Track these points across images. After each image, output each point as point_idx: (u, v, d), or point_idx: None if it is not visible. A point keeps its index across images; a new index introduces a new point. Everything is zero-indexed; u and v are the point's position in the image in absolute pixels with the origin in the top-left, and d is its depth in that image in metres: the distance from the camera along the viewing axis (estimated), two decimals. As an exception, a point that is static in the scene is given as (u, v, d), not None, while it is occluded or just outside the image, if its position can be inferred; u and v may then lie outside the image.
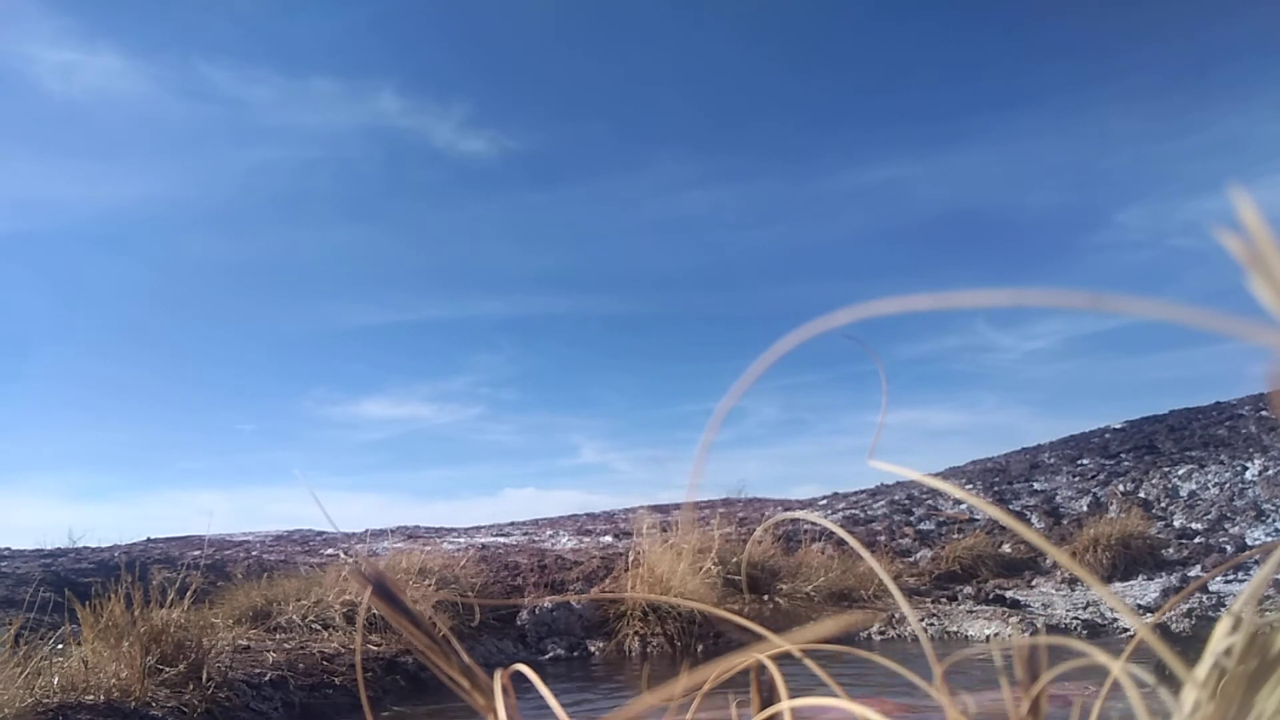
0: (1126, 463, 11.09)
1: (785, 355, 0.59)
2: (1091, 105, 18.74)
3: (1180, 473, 10.06)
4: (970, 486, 11.25)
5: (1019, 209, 20.38)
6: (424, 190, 21.23)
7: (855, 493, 12.69)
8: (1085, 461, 11.56)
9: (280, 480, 17.80)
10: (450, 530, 11.77)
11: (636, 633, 5.97)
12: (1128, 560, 7.63)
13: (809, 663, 0.70)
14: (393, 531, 11.30)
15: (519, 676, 0.70)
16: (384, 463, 20.43)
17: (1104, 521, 8.26)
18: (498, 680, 0.68)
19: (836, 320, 0.56)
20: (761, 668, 0.73)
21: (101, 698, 3.41)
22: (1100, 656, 0.58)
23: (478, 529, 11.82)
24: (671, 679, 0.67)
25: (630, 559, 6.45)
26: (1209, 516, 8.65)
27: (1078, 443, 12.72)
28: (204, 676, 3.79)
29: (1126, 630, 5.82)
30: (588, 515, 12.89)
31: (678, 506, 10.95)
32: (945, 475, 12.73)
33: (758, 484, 18.80)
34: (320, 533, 11.39)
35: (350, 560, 7.17)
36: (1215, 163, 16.59)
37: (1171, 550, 7.94)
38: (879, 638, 6.22)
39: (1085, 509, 9.57)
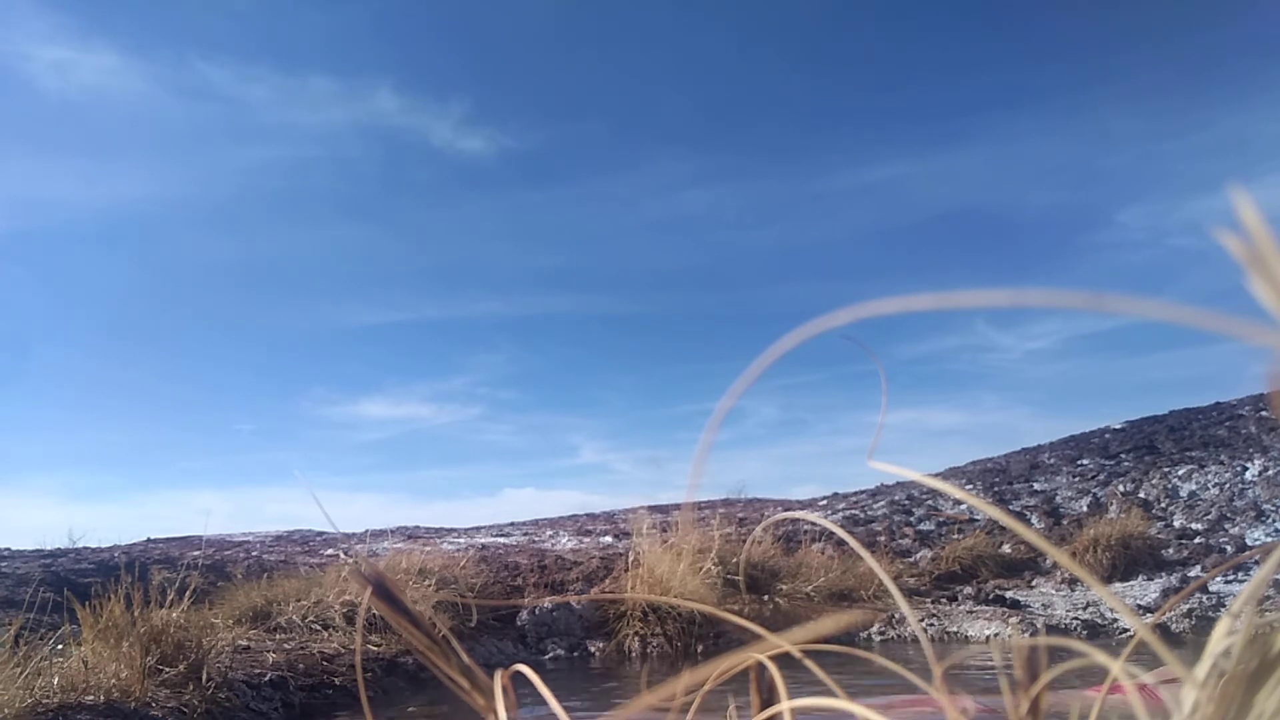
0: (1126, 463, 11.09)
1: (785, 355, 0.59)
2: (1091, 105, 18.73)
3: (1180, 473, 10.06)
4: (970, 486, 11.25)
5: (1019, 209, 20.38)
6: (422, 189, 21.20)
7: (855, 493, 12.69)
8: (1085, 462, 11.56)
9: (280, 480, 17.79)
10: (450, 530, 11.77)
11: (636, 633, 5.97)
12: (1128, 560, 7.63)
13: (809, 663, 0.70)
14: (393, 531, 11.30)
15: (519, 677, 0.70)
16: (383, 463, 20.42)
17: (1104, 522, 8.25)
18: (498, 680, 0.68)
19: (836, 320, 0.56)
20: (761, 668, 0.73)
21: (101, 698, 3.41)
22: (1100, 657, 0.58)
23: (478, 529, 11.82)
24: (671, 679, 0.67)
25: (630, 559, 6.45)
26: (1209, 517, 8.65)
27: (1078, 443, 12.72)
28: (204, 677, 3.79)
29: (1126, 630, 5.82)
30: (587, 515, 12.89)
31: (677, 507, 10.95)
32: (945, 475, 12.73)
33: (758, 484, 18.79)
34: (320, 533, 11.39)
35: (350, 560, 7.17)
36: (1215, 163, 16.59)
37: (1171, 550, 7.94)
38: (879, 638, 6.22)
39: (1085, 509, 9.57)
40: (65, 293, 19.84)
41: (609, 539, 9.84)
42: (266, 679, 4.27)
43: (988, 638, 5.89)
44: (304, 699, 4.34)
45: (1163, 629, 5.75)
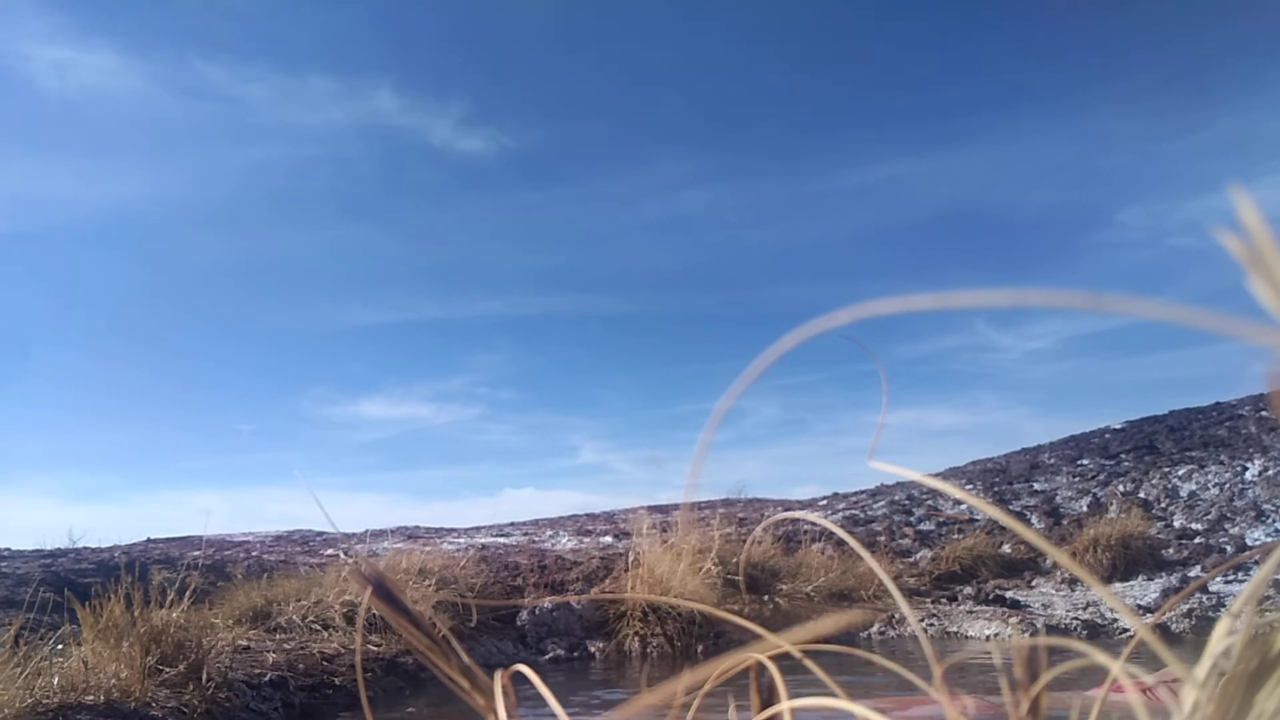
0: (1126, 463, 11.09)
1: (785, 355, 0.59)
2: (1091, 105, 18.75)
3: (1180, 473, 10.06)
4: (970, 486, 11.25)
5: (1019, 208, 20.41)
6: (422, 189, 21.23)
7: (855, 493, 12.69)
8: (1085, 462, 11.56)
9: (280, 480, 17.81)
10: (450, 530, 11.77)
11: (636, 633, 5.97)
12: (1128, 560, 7.63)
13: (809, 663, 0.70)
14: (393, 531, 11.30)
15: (519, 677, 0.70)
16: (383, 463, 20.44)
17: (1104, 522, 8.25)
18: (498, 680, 0.68)
19: (836, 320, 0.56)
20: (761, 668, 0.73)
21: (101, 698, 3.41)
22: (1100, 657, 0.58)
23: (478, 529, 11.81)
24: (671, 679, 0.67)
25: (630, 559, 6.45)
26: (1209, 517, 8.65)
27: (1078, 443, 12.72)
28: (204, 677, 3.79)
29: (1126, 630, 5.82)
30: (587, 515, 12.89)
31: (677, 507, 10.95)
32: (945, 475, 12.73)
33: (758, 484, 18.80)
34: (320, 533, 11.39)
35: (350, 560, 7.17)
36: (1215, 163, 16.60)
37: (1171, 550, 7.94)
38: (879, 638, 6.22)
39: (1085, 509, 9.57)
40: (65, 293, 19.86)
41: (609, 539, 9.84)
42: (266, 679, 4.27)
43: (988, 638, 5.89)
44: (304, 699, 4.34)
45: (1163, 629, 5.75)
